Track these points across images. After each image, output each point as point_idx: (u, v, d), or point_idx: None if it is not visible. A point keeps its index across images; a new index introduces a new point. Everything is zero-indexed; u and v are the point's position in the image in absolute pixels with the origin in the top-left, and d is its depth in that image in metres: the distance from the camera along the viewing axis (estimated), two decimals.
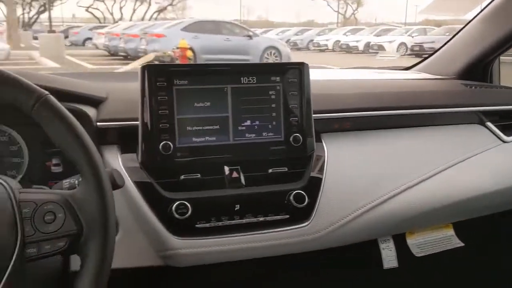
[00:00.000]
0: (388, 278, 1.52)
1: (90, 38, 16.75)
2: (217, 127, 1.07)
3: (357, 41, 20.39)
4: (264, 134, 1.10)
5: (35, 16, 24.66)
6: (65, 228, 0.71)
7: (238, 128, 1.08)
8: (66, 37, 16.86)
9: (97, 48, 14.68)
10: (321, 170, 1.14)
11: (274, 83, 1.10)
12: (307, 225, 1.09)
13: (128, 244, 1.04)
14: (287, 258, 1.15)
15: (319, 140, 1.19)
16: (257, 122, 1.09)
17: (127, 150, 1.06)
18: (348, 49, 20.26)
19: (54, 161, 1.11)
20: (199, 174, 1.05)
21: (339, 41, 21.56)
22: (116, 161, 1.04)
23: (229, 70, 1.08)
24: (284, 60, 10.63)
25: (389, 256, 1.33)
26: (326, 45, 21.95)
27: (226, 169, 1.06)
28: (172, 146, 1.02)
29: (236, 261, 1.09)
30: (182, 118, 1.04)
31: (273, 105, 1.10)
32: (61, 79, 1.12)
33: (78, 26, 19.04)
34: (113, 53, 12.93)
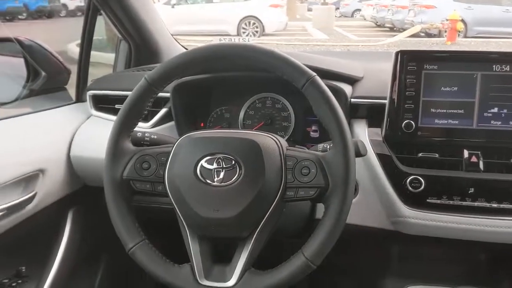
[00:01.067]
0: None
1: (359, 10, 17.20)
2: (462, 111, 1.11)
3: None
4: (511, 123, 1.09)
5: None
6: (316, 181, 0.89)
7: (484, 114, 1.10)
8: (337, 8, 17.71)
9: (364, 19, 14.98)
10: None
11: None
12: None
13: (365, 205, 1.21)
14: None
15: None
16: (505, 110, 1.09)
17: (374, 124, 1.21)
18: None
19: (313, 127, 1.35)
20: (437, 154, 1.13)
21: None
22: (363, 133, 1.21)
23: (481, 56, 1.11)
24: None
25: None
26: None
27: (466, 152, 1.11)
28: (414, 125, 1.13)
29: (459, 240, 1.13)
30: (427, 100, 1.12)
31: None
32: (327, 60, 1.33)
33: None
34: (379, 24, 13.01)
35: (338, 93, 1.21)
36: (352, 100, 1.22)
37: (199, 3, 11.45)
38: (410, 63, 1.12)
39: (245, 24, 10.72)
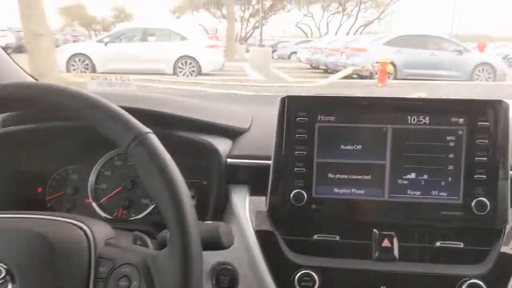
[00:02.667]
0: None
1: (295, 52, 17.51)
2: (369, 177, 0.82)
3: None
4: (433, 193, 0.81)
5: (251, 31, 27.02)
6: None
7: (398, 182, 0.82)
8: (274, 51, 17.95)
9: (300, 61, 15.23)
10: None
11: (455, 125, 0.80)
12: None
13: None
14: None
15: None
16: (425, 176, 0.81)
17: (258, 192, 0.89)
18: None
19: (191, 192, 1.02)
20: (337, 236, 0.82)
21: None
22: (242, 204, 0.89)
23: (392, 104, 0.83)
24: (498, 80, 9.32)
25: None
26: None
27: (376, 233, 0.81)
28: (306, 195, 0.82)
29: None
30: (322, 163, 0.83)
31: (451, 156, 0.80)
32: (207, 107, 1.03)
33: (286, 41, 20.11)
34: (314, 67, 13.22)
35: (209, 151, 0.89)
36: (229, 160, 0.91)
37: (134, 42, 11.18)
38: (300, 113, 0.83)
39: (181, 63, 10.56)
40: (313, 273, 0.78)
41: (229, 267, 0.92)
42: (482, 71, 10.48)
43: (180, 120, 0.91)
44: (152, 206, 1.01)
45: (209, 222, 0.82)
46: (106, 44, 10.60)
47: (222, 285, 0.92)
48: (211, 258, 0.92)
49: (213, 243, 0.67)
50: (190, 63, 10.71)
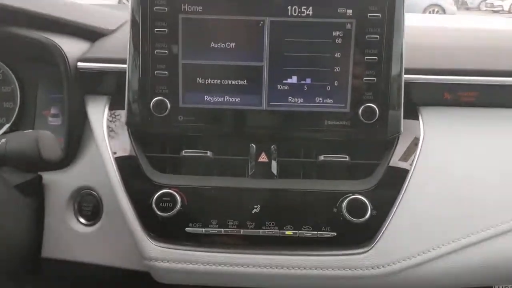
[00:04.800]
0: None
1: None
2: (244, 82, 0.69)
3: None
4: (317, 100, 0.69)
5: None
6: None
7: (277, 87, 0.69)
8: None
9: None
10: (406, 166, 0.70)
11: (342, 18, 0.67)
12: (365, 253, 0.68)
13: (112, 235, 0.76)
14: None
15: (412, 116, 0.74)
16: (308, 80, 0.69)
17: (121, 104, 0.74)
18: None
19: (53, 110, 0.87)
20: (209, 152, 0.70)
21: None
22: (99, 117, 0.75)
23: None
24: None
25: None
26: (501, 5, 18.80)
27: (252, 147, 0.70)
28: (169, 104, 0.69)
29: None
30: (189, 64, 0.69)
31: (337, 55, 0.68)
32: (75, 6, 0.85)
33: None
34: None
35: (54, 53, 0.73)
36: (80, 64, 0.75)
37: None
38: (158, 1, 0.67)
39: None
40: (174, 193, 0.66)
41: (93, 192, 0.79)
42: (433, 12, 10.54)
43: (19, 13, 0.74)
44: None
45: (30, 131, 0.68)
46: None
47: (84, 213, 0.80)
48: (71, 182, 0.79)
49: (31, 156, 0.54)
50: None
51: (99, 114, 0.75)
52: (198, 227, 0.67)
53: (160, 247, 0.68)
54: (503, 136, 0.75)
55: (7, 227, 0.64)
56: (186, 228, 0.67)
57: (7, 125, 0.86)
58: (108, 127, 0.73)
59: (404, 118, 0.70)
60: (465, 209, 0.70)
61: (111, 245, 0.77)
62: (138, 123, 0.70)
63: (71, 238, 0.78)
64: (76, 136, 0.78)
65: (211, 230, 0.67)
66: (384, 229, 0.67)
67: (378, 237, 0.67)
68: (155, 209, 0.66)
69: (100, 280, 0.84)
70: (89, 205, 0.79)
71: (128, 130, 0.72)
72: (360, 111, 0.68)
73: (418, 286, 0.72)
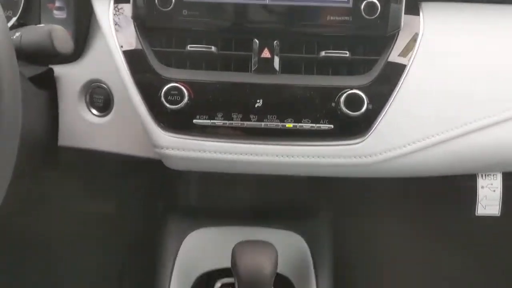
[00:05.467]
0: (479, 230, 1.14)
1: None
2: None
3: None
4: None
5: None
6: None
7: None
8: None
9: None
10: (403, 62, 0.73)
11: None
12: (359, 143, 0.74)
13: (125, 125, 0.82)
14: None
15: (413, 12, 0.75)
16: None
17: None
18: None
19: (58, 3, 0.86)
20: (213, 47, 0.72)
21: None
22: (105, 12, 0.75)
23: None
24: None
25: (489, 199, 0.90)
26: None
27: (256, 43, 0.72)
28: None
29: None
30: None
31: None
32: None
33: None
34: None
35: None
36: None
37: None
38: None
39: None
40: (181, 87, 0.70)
41: (103, 85, 0.83)
42: None
43: None
44: None
45: (42, 25, 0.70)
46: None
47: (96, 105, 0.84)
48: (81, 75, 0.82)
49: (45, 49, 0.57)
50: None
51: (105, 7, 0.75)
52: (205, 119, 0.72)
53: (170, 136, 0.73)
54: (504, 34, 0.77)
55: (28, 116, 0.68)
56: (194, 120, 0.72)
57: (14, 18, 0.86)
58: (114, 20, 0.75)
59: (405, 13, 0.71)
60: (459, 102, 0.74)
61: (124, 134, 0.82)
62: (144, 17, 0.71)
63: (85, 128, 0.83)
64: (84, 29, 0.79)
65: (217, 122, 0.72)
66: (378, 121, 0.72)
67: (373, 129, 0.72)
68: (164, 101, 0.70)
69: (113, 169, 0.91)
70: (100, 97, 0.83)
71: (134, 24, 0.73)
72: (362, 6, 0.69)
73: (409, 172, 0.79)
